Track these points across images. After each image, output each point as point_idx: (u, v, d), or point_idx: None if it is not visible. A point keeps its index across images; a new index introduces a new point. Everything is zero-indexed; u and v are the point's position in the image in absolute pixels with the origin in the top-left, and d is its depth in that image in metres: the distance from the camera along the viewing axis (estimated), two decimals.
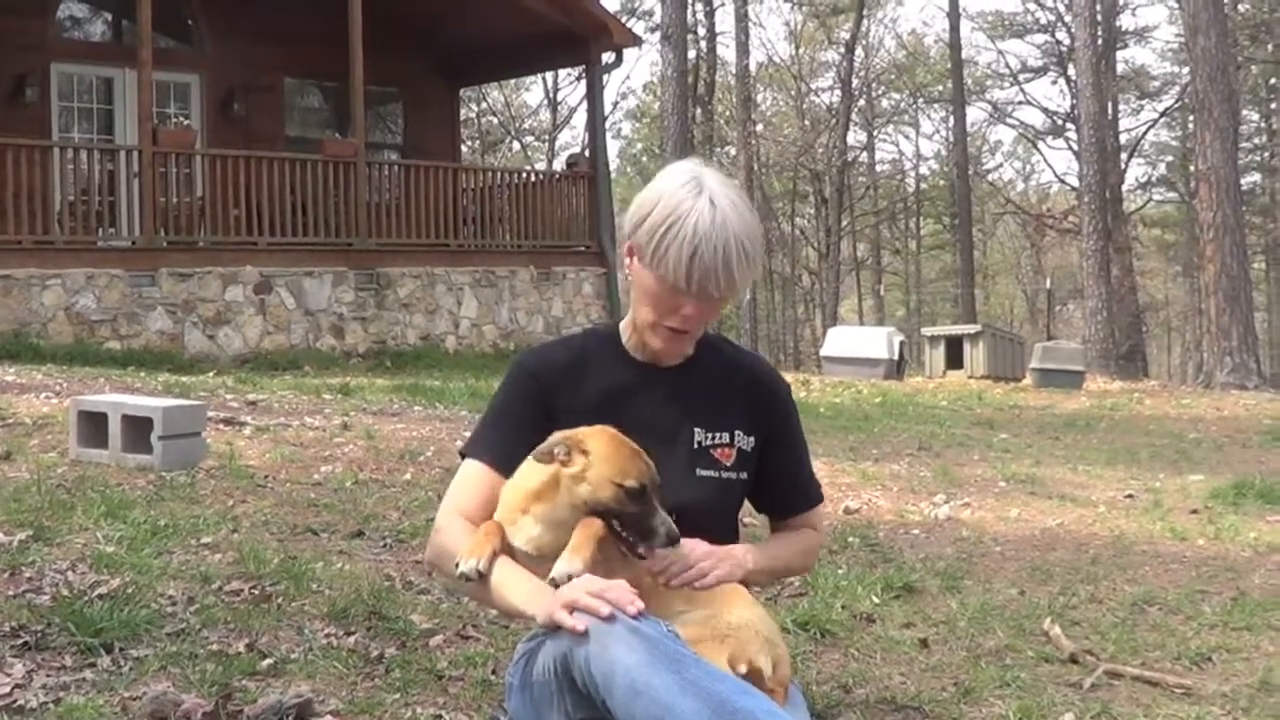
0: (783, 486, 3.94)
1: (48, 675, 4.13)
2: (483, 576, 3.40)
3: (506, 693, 3.60)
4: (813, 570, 5.27)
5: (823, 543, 4.37)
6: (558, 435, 3.43)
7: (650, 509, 3.38)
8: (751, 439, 3.82)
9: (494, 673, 4.44)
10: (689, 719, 2.98)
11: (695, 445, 3.74)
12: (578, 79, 53.87)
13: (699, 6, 54.55)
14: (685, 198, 3.53)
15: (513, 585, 3.39)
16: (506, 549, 3.46)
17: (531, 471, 3.46)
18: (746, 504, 3.99)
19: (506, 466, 3.62)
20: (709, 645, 3.35)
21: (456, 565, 3.43)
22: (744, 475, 3.82)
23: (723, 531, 3.75)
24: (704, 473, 3.74)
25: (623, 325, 3.87)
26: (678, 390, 3.77)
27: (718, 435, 3.78)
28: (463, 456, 3.80)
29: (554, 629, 3.21)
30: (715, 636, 3.40)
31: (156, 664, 4.28)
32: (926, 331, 30.73)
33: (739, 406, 3.82)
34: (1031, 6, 61.01)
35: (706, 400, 3.79)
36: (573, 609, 3.17)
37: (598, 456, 3.39)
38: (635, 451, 3.42)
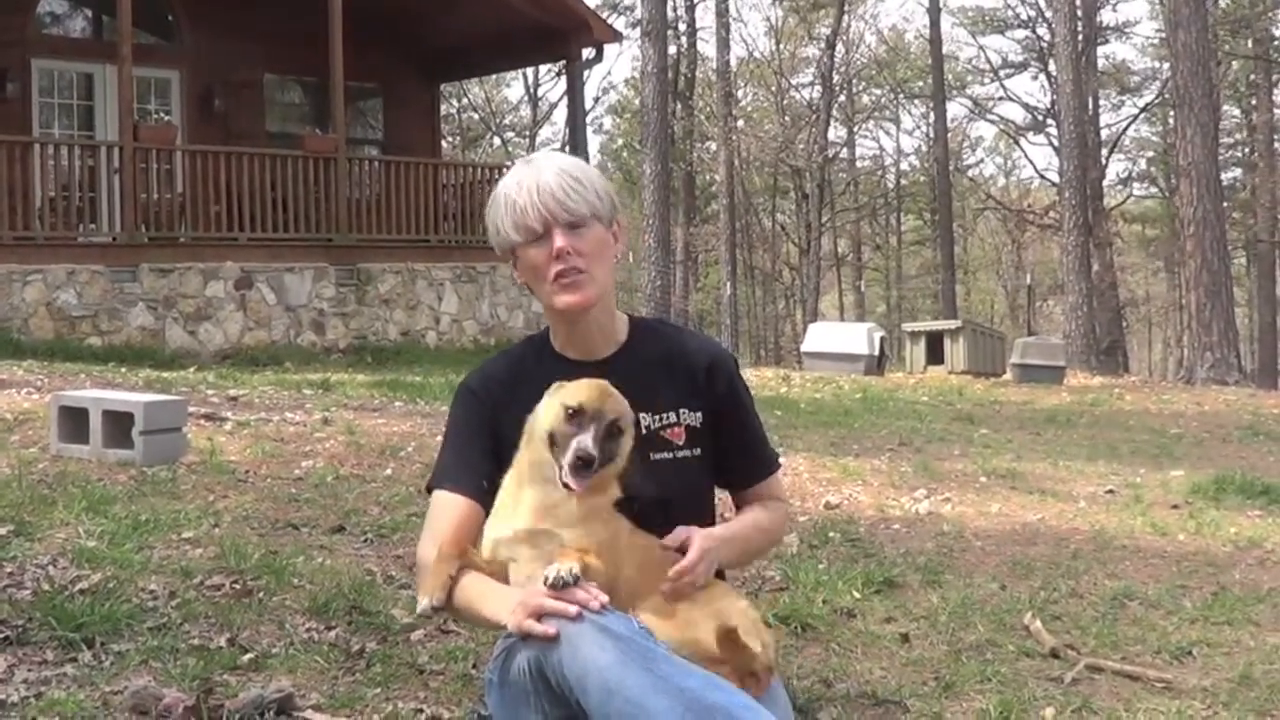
0: (739, 456, 3.92)
1: (29, 670, 4.12)
2: (439, 610, 3.44)
3: (486, 688, 3.60)
4: (781, 543, 5.28)
5: (788, 511, 4.38)
6: None
7: (577, 431, 3.39)
8: (699, 414, 3.83)
9: (475, 667, 4.45)
10: (662, 716, 3.00)
11: (644, 431, 3.73)
12: (558, 75, 53.98)
13: (679, 2, 54.68)
14: (507, 180, 3.73)
15: (484, 599, 3.41)
16: (472, 563, 3.47)
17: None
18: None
19: (471, 486, 3.66)
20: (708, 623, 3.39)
21: (417, 605, 3.45)
22: (698, 451, 3.83)
23: (696, 512, 3.76)
24: (658, 456, 3.75)
25: (551, 330, 3.90)
26: (616, 380, 3.74)
27: (664, 416, 3.79)
28: (429, 491, 3.81)
29: (525, 637, 3.22)
30: (711, 615, 3.41)
31: (138, 658, 4.28)
32: (907, 327, 30.73)
33: (679, 384, 3.83)
34: (1012, 2, 61.19)
35: (647, 384, 3.77)
36: (539, 614, 3.19)
37: (564, 388, 3.49)
38: (600, 389, 3.48)
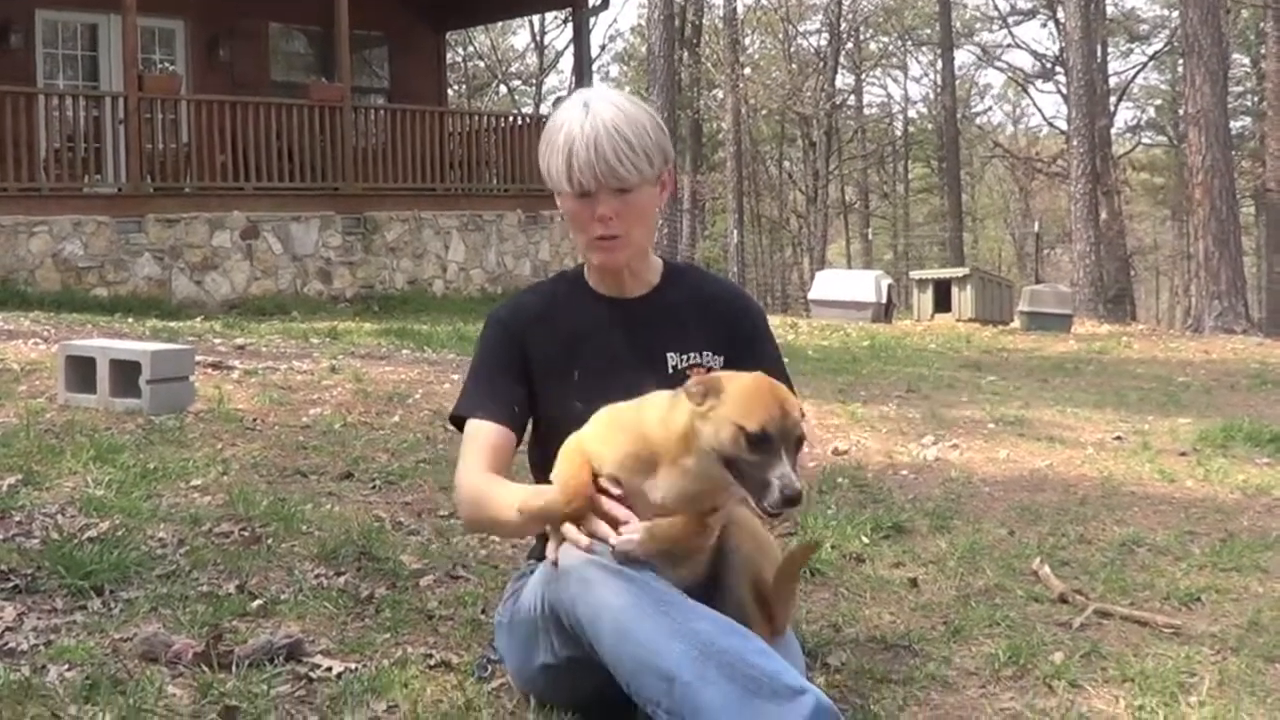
0: None
1: (38, 618, 4.12)
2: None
3: (496, 631, 3.61)
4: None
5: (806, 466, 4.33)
6: (700, 376, 3.26)
7: (771, 460, 3.08)
8: (720, 359, 3.82)
9: (484, 612, 4.45)
10: (676, 660, 2.99)
11: (671, 370, 3.75)
12: (564, 22, 53.72)
13: None
14: (566, 119, 3.63)
15: (490, 498, 3.49)
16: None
17: (678, 413, 3.23)
18: None
19: (504, 414, 3.69)
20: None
21: (611, 547, 3.23)
22: None
23: None
24: None
25: (586, 266, 3.91)
26: (646, 318, 3.79)
27: (690, 356, 3.79)
28: (457, 423, 3.81)
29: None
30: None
31: (147, 606, 4.28)
32: (915, 275, 30.69)
33: (705, 326, 3.84)
34: None
35: (675, 324, 3.81)
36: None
37: (728, 395, 3.14)
38: (774, 399, 3.17)
